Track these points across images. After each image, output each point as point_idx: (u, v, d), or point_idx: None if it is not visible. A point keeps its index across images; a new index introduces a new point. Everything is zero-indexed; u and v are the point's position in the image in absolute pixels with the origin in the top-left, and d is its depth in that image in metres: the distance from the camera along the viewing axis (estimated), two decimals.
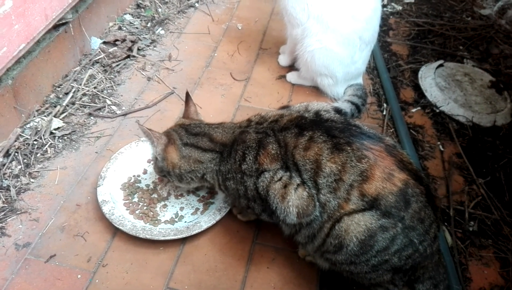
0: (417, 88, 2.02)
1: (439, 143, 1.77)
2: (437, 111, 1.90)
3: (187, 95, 1.43)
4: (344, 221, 1.11)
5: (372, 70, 2.11)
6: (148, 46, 2.15)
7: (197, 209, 1.45)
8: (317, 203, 1.14)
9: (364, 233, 1.09)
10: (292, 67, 2.05)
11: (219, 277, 1.30)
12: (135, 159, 1.56)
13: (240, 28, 2.34)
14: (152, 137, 1.30)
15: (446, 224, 1.46)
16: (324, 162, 1.12)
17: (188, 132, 1.34)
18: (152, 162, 1.43)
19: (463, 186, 1.59)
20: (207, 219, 1.37)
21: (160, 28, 2.27)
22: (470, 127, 1.83)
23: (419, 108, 1.93)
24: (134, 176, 1.53)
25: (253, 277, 1.30)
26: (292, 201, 1.15)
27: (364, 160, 1.11)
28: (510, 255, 1.38)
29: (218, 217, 1.38)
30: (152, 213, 1.42)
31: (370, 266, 1.13)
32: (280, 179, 1.17)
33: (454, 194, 1.56)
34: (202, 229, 1.35)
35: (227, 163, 1.27)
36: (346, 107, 1.81)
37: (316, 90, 1.97)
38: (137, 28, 2.23)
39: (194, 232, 1.33)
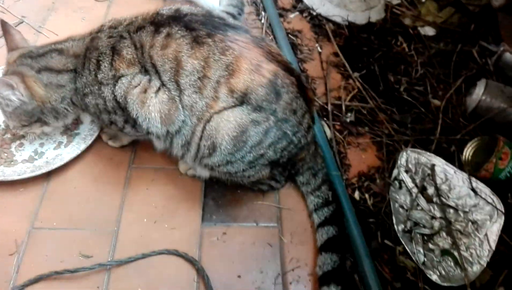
0: None
1: (317, 45, 1.75)
2: (314, 14, 1.87)
3: (3, 24, 1.21)
4: (214, 120, 1.05)
5: None
6: None
7: (60, 142, 1.29)
8: (180, 106, 1.06)
9: (235, 130, 1.05)
10: None
11: (93, 207, 1.19)
12: None
13: None
14: (8, 82, 1.09)
15: (325, 119, 1.47)
16: (184, 59, 1.04)
17: (33, 57, 1.15)
18: (15, 115, 1.17)
19: (340, 82, 1.61)
20: (70, 150, 1.24)
21: None
22: (346, 26, 1.83)
23: (297, 13, 1.88)
24: None
25: (132, 201, 1.21)
26: (153, 106, 1.06)
27: (228, 52, 1.04)
28: (385, 137, 1.44)
29: (82, 147, 1.25)
30: (6, 154, 1.24)
31: (246, 162, 1.10)
32: (139, 84, 1.07)
33: (332, 91, 1.58)
34: (65, 162, 1.21)
35: (82, 77, 1.13)
36: None
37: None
38: None
39: (55, 166, 1.20)
